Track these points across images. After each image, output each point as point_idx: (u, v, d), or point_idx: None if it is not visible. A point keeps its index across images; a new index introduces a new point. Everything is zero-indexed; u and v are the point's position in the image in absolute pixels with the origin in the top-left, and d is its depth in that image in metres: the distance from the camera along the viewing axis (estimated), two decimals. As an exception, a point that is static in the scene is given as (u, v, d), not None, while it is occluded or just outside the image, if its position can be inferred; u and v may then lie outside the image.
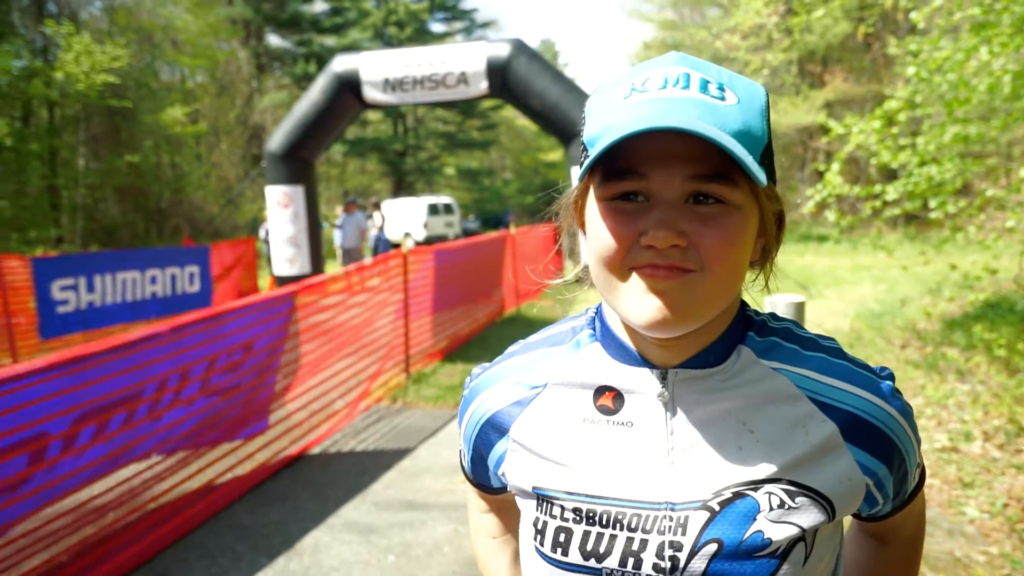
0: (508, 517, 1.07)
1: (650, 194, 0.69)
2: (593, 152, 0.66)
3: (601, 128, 0.70)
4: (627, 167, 0.69)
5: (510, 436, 0.85)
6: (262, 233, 13.56)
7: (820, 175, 6.40)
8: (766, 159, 0.71)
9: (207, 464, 3.95)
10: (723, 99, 0.69)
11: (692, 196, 0.68)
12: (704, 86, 0.69)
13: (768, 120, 0.73)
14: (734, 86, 0.71)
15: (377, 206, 13.53)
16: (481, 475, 0.96)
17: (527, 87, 9.83)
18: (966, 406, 5.01)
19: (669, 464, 0.76)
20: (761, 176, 0.64)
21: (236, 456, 4.23)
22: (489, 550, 1.08)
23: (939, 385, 5.55)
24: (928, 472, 4.12)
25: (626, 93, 0.70)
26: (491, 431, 0.88)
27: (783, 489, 0.74)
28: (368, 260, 8.54)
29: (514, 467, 0.85)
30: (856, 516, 0.88)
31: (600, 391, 0.81)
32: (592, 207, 0.74)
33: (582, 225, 0.79)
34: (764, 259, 0.80)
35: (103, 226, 22.91)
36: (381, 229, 13.45)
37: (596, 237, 0.72)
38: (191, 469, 3.87)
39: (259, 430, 4.50)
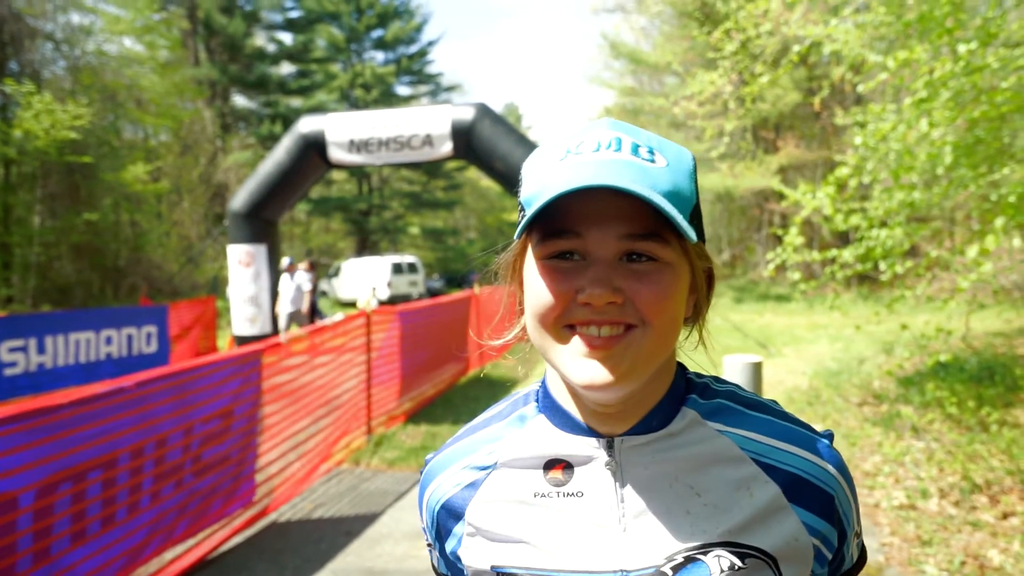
0: None
1: (586, 253, 0.72)
2: (530, 211, 0.69)
3: (537, 188, 0.73)
4: (564, 227, 0.72)
5: (466, 520, 0.85)
6: (229, 292, 12.76)
7: (778, 238, 6.58)
8: (695, 219, 0.75)
9: (162, 533, 3.81)
10: (653, 161, 0.72)
11: (626, 254, 0.72)
12: (635, 149, 0.72)
13: (696, 182, 0.77)
14: (663, 150, 0.75)
15: (313, 267, 12.11)
16: (453, 567, 0.92)
17: (491, 149, 10.04)
18: (922, 463, 5.10)
19: (621, 531, 0.77)
20: (691, 233, 0.68)
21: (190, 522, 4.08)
22: None
23: (895, 443, 5.65)
24: (887, 530, 4.16)
25: (561, 156, 0.74)
26: (447, 517, 0.87)
27: (732, 551, 0.75)
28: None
29: (471, 551, 0.84)
30: None
31: (550, 464, 0.81)
32: (530, 266, 0.76)
33: (520, 284, 0.80)
34: (696, 316, 0.83)
35: (56, 285, 22.30)
36: (313, 293, 12.12)
37: (533, 295, 0.74)
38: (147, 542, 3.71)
39: (245, 500, 4.39)
